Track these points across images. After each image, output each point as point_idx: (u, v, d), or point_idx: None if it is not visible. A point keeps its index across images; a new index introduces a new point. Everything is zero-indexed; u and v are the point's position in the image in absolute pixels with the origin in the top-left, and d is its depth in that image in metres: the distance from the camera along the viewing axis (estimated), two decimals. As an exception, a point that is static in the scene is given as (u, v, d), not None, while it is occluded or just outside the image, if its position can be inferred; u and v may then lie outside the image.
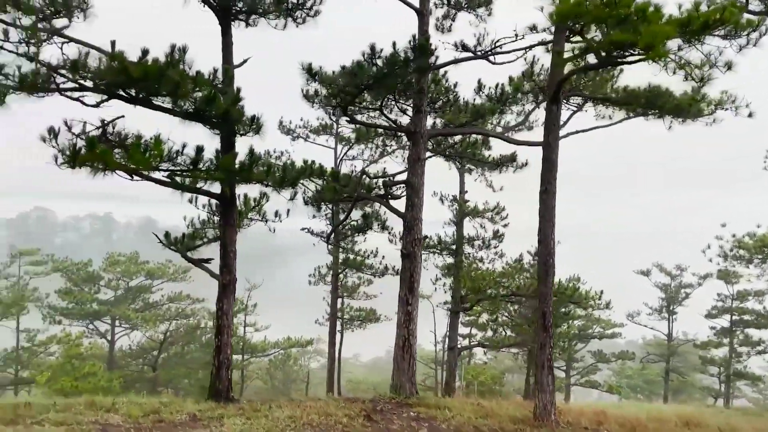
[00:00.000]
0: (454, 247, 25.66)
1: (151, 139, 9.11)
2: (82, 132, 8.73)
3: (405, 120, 15.43)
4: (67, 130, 8.49)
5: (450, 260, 27.11)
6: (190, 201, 12.67)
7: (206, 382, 36.61)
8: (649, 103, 11.03)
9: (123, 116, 9.35)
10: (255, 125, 10.17)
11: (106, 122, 9.03)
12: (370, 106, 14.83)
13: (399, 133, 19.60)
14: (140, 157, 8.16)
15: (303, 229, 27.29)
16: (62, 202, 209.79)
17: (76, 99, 8.70)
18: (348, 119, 13.31)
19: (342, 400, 11.15)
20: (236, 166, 9.52)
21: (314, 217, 28.96)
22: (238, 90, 9.78)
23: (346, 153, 27.81)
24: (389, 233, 22.03)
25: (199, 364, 38.35)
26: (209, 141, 10.96)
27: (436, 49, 11.71)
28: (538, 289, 11.28)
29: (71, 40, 9.66)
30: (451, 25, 15.93)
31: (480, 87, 16.18)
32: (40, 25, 9.20)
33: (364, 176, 14.00)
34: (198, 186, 10.51)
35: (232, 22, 11.44)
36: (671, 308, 45.10)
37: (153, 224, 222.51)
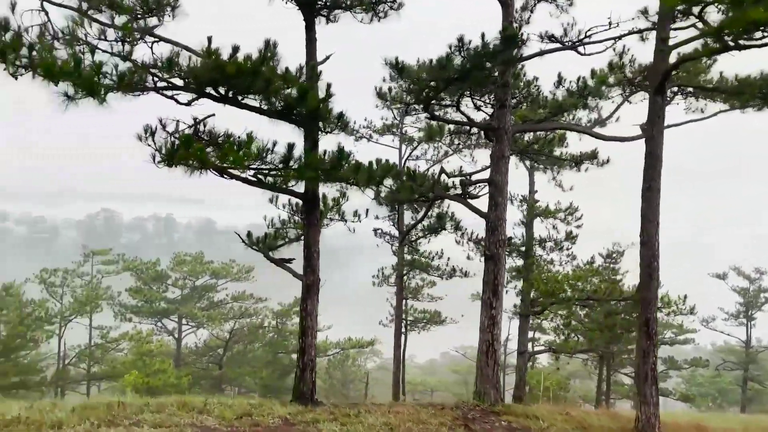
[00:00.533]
0: (523, 248, 24.88)
1: (239, 137, 8.97)
2: (175, 131, 8.66)
3: (477, 116, 14.89)
4: (161, 129, 8.43)
5: (519, 262, 26.36)
6: (271, 201, 12.58)
7: (270, 381, 37.07)
8: (764, 93, 10.12)
9: (213, 114, 9.25)
10: (341, 122, 9.89)
11: (198, 120, 8.94)
12: (444, 103, 14.39)
13: (471, 131, 19.07)
14: (236, 156, 7.99)
15: (375, 230, 27.10)
16: (127, 204, 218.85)
17: (170, 97, 8.64)
18: (429, 116, 12.90)
19: (430, 406, 10.74)
20: (324, 164, 9.26)
21: (377, 217, 28.87)
22: (329, 86, 9.50)
23: (410, 153, 27.47)
24: (460, 234, 21.48)
25: (261, 363, 38.82)
26: (287, 139, 10.74)
27: (527, 39, 11.16)
28: (639, 294, 10.56)
29: (161, 39, 9.64)
30: (530, 17, 15.29)
31: (560, 81, 15.48)
32: (133, 25, 9.19)
33: (442, 175, 13.53)
34: (284, 185, 10.31)
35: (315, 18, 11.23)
36: (749, 313, 42.62)
37: (212, 225, 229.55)
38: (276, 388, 39.06)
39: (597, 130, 17.08)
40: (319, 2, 10.79)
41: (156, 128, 8.21)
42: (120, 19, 9.18)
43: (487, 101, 14.50)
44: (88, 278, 39.33)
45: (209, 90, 9.27)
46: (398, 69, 10.62)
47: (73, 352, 36.58)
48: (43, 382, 32.84)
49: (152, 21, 10.01)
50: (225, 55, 8.72)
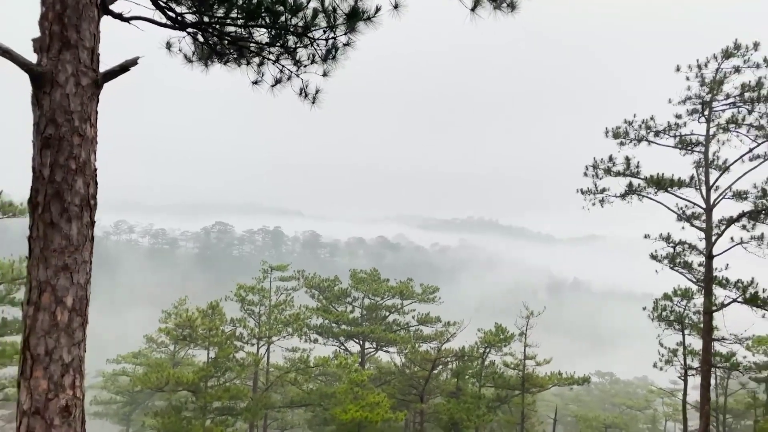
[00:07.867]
0: None
1: None
2: None
3: None
4: None
5: None
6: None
7: (460, 413, 32.66)
8: None
9: None
10: None
11: None
12: None
13: None
14: None
15: (655, 257, 22.74)
16: (239, 217, 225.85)
17: None
18: None
19: None
20: None
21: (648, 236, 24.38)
22: None
23: None
24: None
25: (470, 398, 34.67)
26: None
27: None
28: None
29: None
30: None
31: None
32: None
33: None
34: None
35: None
36: None
37: (317, 238, 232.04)
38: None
39: None
40: None
41: None
42: None
43: None
44: (276, 296, 37.12)
45: None
46: None
47: (274, 374, 34.29)
48: (249, 407, 30.57)
49: None
50: None
